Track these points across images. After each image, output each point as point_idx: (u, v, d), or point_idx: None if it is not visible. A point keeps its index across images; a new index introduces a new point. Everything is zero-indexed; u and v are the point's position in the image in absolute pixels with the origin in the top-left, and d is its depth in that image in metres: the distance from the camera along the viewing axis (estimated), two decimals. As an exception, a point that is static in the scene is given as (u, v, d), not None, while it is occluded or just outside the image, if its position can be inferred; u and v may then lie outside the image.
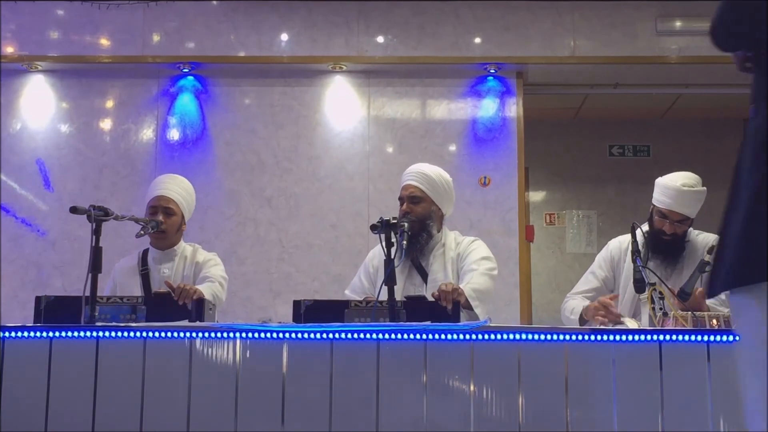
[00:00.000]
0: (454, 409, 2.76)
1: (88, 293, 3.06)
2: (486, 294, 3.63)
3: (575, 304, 3.77)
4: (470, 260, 3.74)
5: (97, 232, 3.14)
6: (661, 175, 3.79)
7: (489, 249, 3.84)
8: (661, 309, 3.17)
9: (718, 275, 1.87)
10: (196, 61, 5.57)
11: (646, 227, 3.77)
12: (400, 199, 3.83)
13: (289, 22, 5.61)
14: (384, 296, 3.06)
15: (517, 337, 2.81)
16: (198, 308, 3.23)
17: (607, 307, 3.49)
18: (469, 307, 3.52)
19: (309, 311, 3.07)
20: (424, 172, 3.83)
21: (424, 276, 3.76)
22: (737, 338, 1.86)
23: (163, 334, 2.89)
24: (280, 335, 2.84)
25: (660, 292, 3.23)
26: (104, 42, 5.59)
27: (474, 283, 3.59)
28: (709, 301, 3.39)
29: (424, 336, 2.81)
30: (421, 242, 3.75)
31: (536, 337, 2.80)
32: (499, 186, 5.53)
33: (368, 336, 2.82)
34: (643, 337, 2.78)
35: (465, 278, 3.68)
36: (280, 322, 2.98)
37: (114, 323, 3.08)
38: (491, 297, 3.74)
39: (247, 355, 2.85)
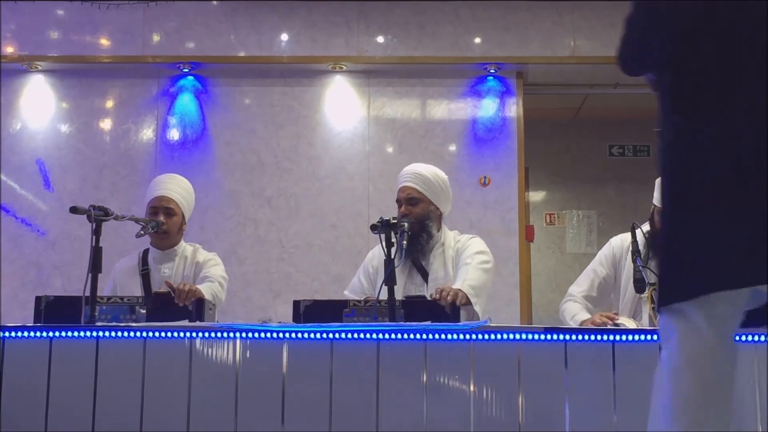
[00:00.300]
0: (454, 409, 2.76)
1: (88, 293, 3.06)
2: (482, 288, 3.63)
3: (577, 309, 3.75)
4: (465, 255, 3.75)
5: (97, 232, 3.15)
6: (662, 176, 3.77)
7: (486, 245, 3.84)
8: (661, 309, 3.17)
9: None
10: (196, 61, 5.57)
11: (646, 227, 3.76)
12: (398, 201, 3.82)
13: (289, 22, 5.61)
14: (384, 296, 3.06)
15: (517, 337, 2.81)
16: (198, 308, 3.23)
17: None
18: (469, 303, 3.53)
19: (309, 311, 3.07)
20: (420, 172, 3.83)
21: (425, 276, 3.76)
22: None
23: (163, 334, 2.89)
24: (280, 335, 2.84)
25: (660, 292, 3.22)
26: (104, 42, 5.59)
27: (469, 279, 3.60)
28: None
29: (424, 336, 2.81)
30: (421, 242, 3.75)
31: (536, 337, 2.80)
32: (499, 186, 5.52)
33: (368, 336, 2.82)
34: (643, 337, 2.78)
35: (460, 273, 3.69)
36: (280, 322, 2.98)
37: (114, 323, 3.08)
38: (489, 290, 3.75)
39: (247, 355, 2.85)
